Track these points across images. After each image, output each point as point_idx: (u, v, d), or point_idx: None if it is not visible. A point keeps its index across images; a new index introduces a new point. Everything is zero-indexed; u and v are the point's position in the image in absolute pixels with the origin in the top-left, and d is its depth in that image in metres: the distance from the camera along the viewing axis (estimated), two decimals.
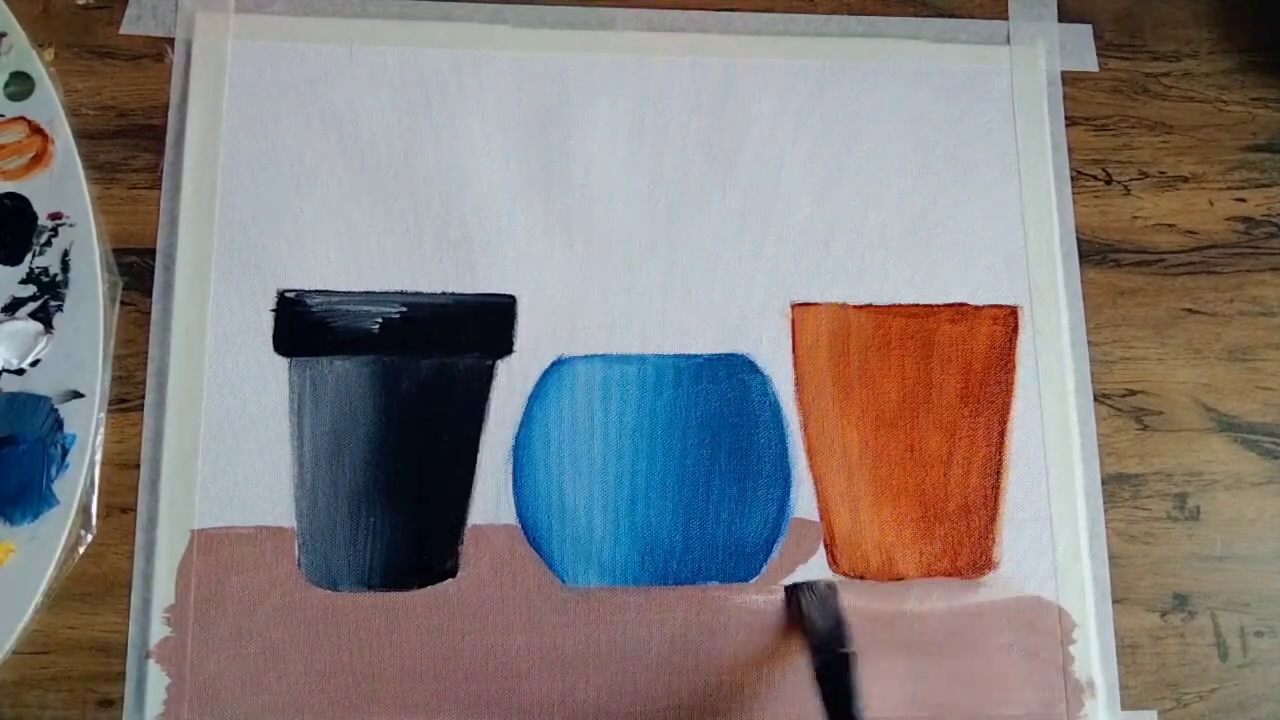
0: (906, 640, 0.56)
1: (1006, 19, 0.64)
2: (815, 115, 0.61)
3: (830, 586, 0.55)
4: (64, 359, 0.55)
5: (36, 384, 0.54)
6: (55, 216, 0.56)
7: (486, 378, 0.57)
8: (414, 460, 0.56)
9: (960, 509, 0.58)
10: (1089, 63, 0.64)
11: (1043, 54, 0.64)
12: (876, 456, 0.58)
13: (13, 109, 0.57)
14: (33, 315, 0.55)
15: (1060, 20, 0.64)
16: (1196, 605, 0.58)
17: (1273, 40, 0.66)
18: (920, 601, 0.56)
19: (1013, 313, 0.60)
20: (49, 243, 0.56)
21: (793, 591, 0.55)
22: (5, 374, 0.54)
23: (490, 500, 0.55)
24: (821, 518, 0.57)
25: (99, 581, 0.53)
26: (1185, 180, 0.63)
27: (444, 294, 0.57)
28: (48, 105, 0.57)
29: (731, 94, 0.61)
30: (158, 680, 0.52)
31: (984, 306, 0.60)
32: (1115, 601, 0.57)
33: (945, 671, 0.56)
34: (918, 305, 0.59)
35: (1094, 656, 0.56)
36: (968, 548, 0.57)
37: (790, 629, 0.55)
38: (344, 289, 0.57)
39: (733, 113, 0.61)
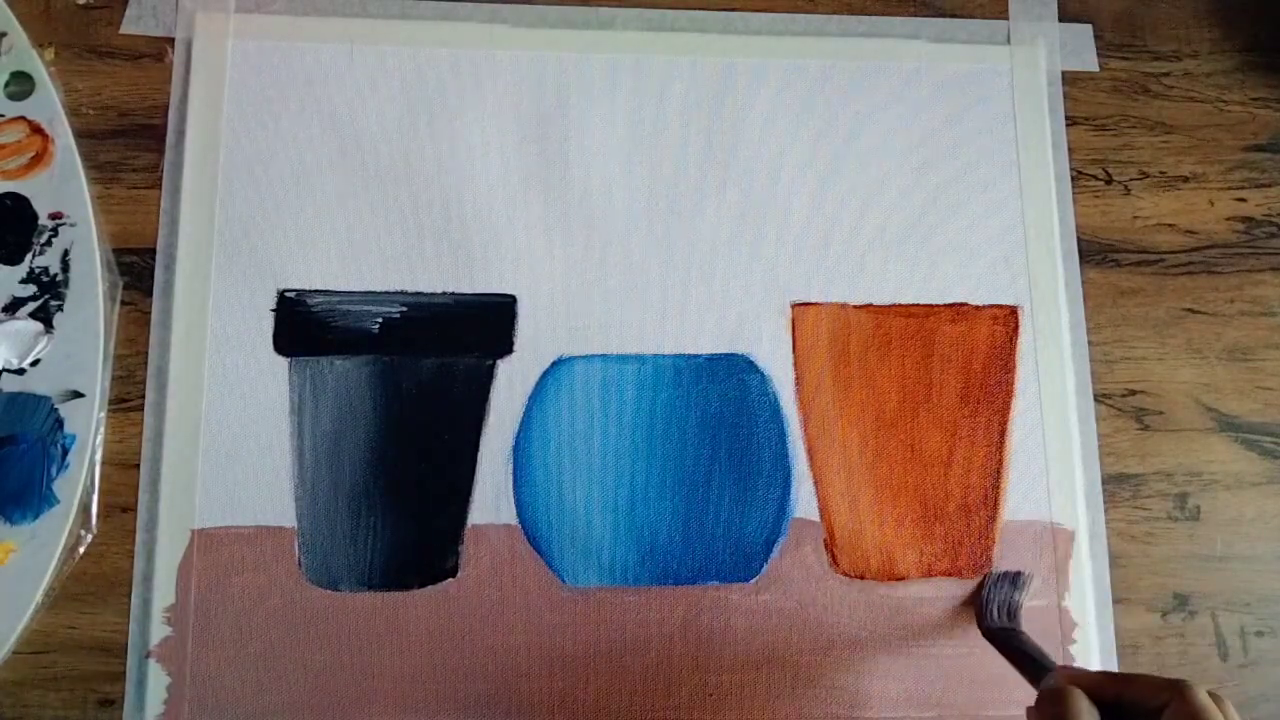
0: (906, 640, 0.56)
1: (1006, 19, 0.64)
2: (815, 115, 0.61)
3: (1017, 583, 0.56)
4: (64, 359, 0.55)
5: (36, 384, 0.54)
6: (55, 216, 0.56)
7: (486, 378, 0.57)
8: (414, 460, 0.56)
9: (960, 509, 0.58)
10: (1089, 62, 0.64)
11: (1043, 54, 0.64)
12: (876, 456, 0.58)
13: (13, 109, 0.57)
14: (33, 315, 0.55)
15: (1060, 20, 0.64)
16: (1197, 605, 0.58)
17: (1273, 40, 0.65)
18: (920, 601, 0.56)
19: (1013, 312, 0.60)
20: (49, 243, 0.56)
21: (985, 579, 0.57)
22: (5, 374, 0.54)
23: (490, 500, 0.55)
24: (821, 517, 0.57)
25: (99, 581, 0.53)
26: (1185, 180, 0.63)
27: (444, 294, 0.57)
28: (48, 105, 0.57)
29: (731, 94, 0.61)
30: (158, 680, 0.52)
31: (984, 306, 0.60)
32: (1115, 601, 0.57)
33: (945, 671, 0.56)
34: (917, 305, 0.59)
35: (1094, 656, 0.56)
36: (968, 548, 0.57)
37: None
38: (344, 289, 0.57)
39: (732, 112, 0.61)
